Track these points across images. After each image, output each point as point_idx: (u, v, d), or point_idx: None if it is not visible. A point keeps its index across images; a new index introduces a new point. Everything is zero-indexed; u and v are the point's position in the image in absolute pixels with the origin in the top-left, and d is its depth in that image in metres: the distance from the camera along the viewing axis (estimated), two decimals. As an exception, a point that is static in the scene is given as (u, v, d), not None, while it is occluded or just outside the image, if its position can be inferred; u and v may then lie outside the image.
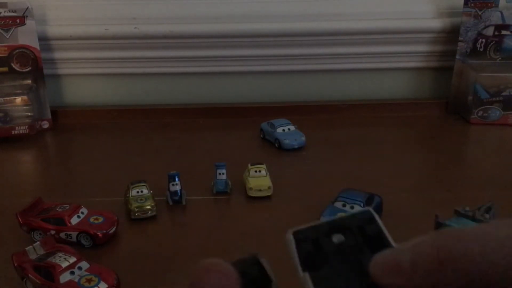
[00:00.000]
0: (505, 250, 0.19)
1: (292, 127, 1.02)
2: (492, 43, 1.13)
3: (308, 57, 1.18)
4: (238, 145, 1.02)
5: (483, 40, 1.13)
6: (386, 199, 0.76)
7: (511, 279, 0.19)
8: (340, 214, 0.24)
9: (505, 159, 0.97)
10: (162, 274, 0.64)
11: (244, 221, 0.77)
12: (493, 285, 0.19)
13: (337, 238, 0.23)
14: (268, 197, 0.81)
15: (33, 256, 0.62)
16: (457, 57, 1.14)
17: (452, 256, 0.20)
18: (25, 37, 1.07)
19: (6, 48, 1.07)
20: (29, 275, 0.59)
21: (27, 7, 1.06)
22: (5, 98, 1.05)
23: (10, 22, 1.06)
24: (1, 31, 1.06)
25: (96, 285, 0.57)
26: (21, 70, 1.09)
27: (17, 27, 1.06)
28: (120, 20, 1.13)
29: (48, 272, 0.58)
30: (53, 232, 0.69)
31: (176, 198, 0.80)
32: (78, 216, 0.71)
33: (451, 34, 1.16)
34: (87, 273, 0.59)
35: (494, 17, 1.11)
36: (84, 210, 0.73)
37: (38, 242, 0.63)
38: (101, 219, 0.71)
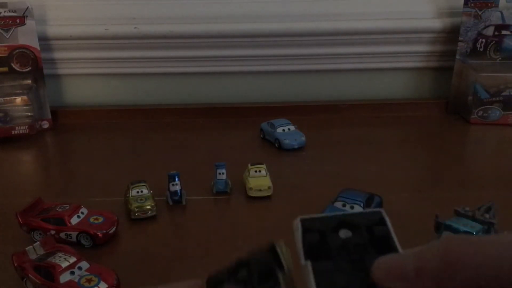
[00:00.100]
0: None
1: (292, 127, 1.02)
2: (492, 43, 1.13)
3: (308, 57, 1.18)
4: (238, 145, 1.02)
5: (483, 40, 1.13)
6: (386, 199, 0.76)
7: None
8: (351, 211, 0.24)
9: (505, 159, 0.97)
10: (162, 274, 0.64)
11: (244, 221, 0.77)
12: None
13: (344, 233, 0.23)
14: (268, 197, 0.81)
15: (33, 256, 0.62)
16: (457, 57, 1.14)
17: (459, 262, 0.19)
18: (25, 37, 1.07)
19: (6, 48, 1.08)
20: (29, 275, 0.59)
21: (27, 7, 1.06)
22: (5, 98, 1.05)
23: (10, 22, 1.06)
24: (1, 31, 1.06)
25: (96, 285, 0.57)
26: (21, 70, 1.09)
27: (17, 27, 1.06)
28: (120, 20, 1.13)
29: (48, 272, 0.58)
30: (53, 232, 0.69)
31: (176, 198, 0.80)
32: (78, 216, 0.71)
33: (451, 34, 1.16)
34: (87, 273, 0.59)
35: (494, 17, 1.11)
36: (84, 210, 0.72)
37: (38, 242, 0.63)
38: (101, 219, 0.71)
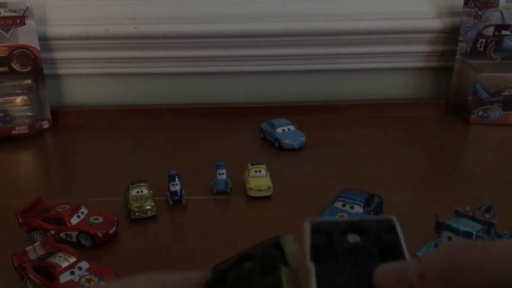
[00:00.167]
0: None
1: (292, 127, 1.02)
2: (492, 43, 1.13)
3: (308, 57, 1.18)
4: (238, 145, 1.02)
5: (483, 40, 1.13)
6: (386, 199, 0.76)
7: None
8: (363, 216, 0.23)
9: (505, 159, 0.97)
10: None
11: (244, 221, 0.77)
12: None
13: (352, 238, 0.22)
14: (268, 197, 0.81)
15: (33, 256, 0.62)
16: (457, 57, 1.14)
17: (463, 267, 0.19)
18: (25, 37, 1.07)
19: (6, 48, 1.07)
20: (29, 275, 0.59)
21: (27, 7, 1.05)
22: (5, 98, 1.05)
23: (10, 22, 1.06)
24: (1, 31, 1.06)
25: (96, 285, 0.57)
26: (21, 70, 1.09)
27: (17, 27, 1.06)
28: (120, 20, 1.13)
29: (48, 272, 0.58)
30: (53, 232, 0.69)
31: (176, 198, 0.79)
32: (78, 216, 0.71)
33: (451, 34, 1.16)
34: (87, 273, 0.59)
35: (494, 17, 1.11)
36: (84, 210, 0.72)
37: (38, 242, 0.63)
38: (101, 219, 0.71)
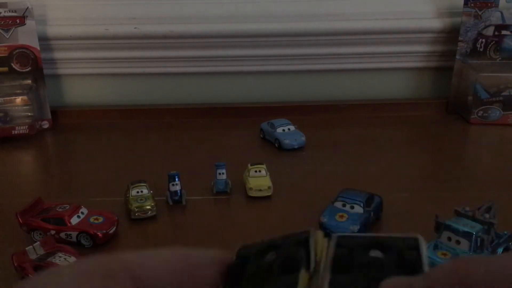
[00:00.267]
0: None
1: (292, 127, 1.02)
2: (492, 43, 1.13)
3: (308, 57, 1.18)
4: (238, 145, 1.02)
5: (483, 40, 1.13)
6: (386, 199, 0.76)
7: None
8: (389, 234, 0.24)
9: (505, 159, 0.97)
10: None
11: (244, 221, 0.77)
12: None
13: (374, 253, 0.23)
14: (268, 197, 0.81)
15: (33, 256, 0.62)
16: (457, 57, 1.14)
17: (469, 281, 0.19)
18: (25, 37, 1.07)
19: (6, 48, 1.07)
20: (29, 275, 0.59)
21: (27, 7, 1.06)
22: (5, 98, 1.05)
23: (10, 22, 1.06)
24: (1, 31, 1.06)
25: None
26: (21, 70, 1.09)
27: (17, 27, 1.06)
28: (120, 20, 1.13)
29: (48, 272, 0.58)
30: (53, 232, 0.69)
31: (176, 198, 0.79)
32: (78, 216, 0.71)
33: (451, 34, 1.16)
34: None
35: (494, 17, 1.11)
36: (84, 210, 0.72)
37: (38, 242, 0.63)
38: (101, 219, 0.71)
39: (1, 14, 1.05)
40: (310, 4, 1.16)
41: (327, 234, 0.24)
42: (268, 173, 0.83)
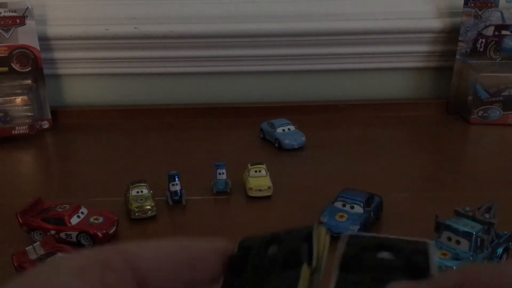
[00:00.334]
0: None
1: (292, 127, 1.02)
2: (492, 43, 1.13)
3: (308, 57, 1.18)
4: (238, 145, 1.02)
5: (483, 40, 1.13)
6: (386, 199, 0.76)
7: None
8: (399, 236, 0.23)
9: (505, 159, 0.97)
10: None
11: (244, 221, 0.77)
12: None
13: (383, 255, 0.22)
14: (268, 197, 0.81)
15: (33, 256, 0.62)
16: (457, 57, 1.14)
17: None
18: (25, 37, 1.07)
19: (6, 48, 1.07)
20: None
21: (27, 7, 1.05)
22: (5, 98, 1.05)
23: (10, 22, 1.06)
24: (1, 31, 1.06)
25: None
26: (21, 70, 1.09)
27: (17, 27, 1.06)
28: (120, 20, 1.13)
29: (48, 272, 0.58)
30: (53, 232, 0.69)
31: (176, 198, 0.79)
32: (78, 216, 0.71)
33: (451, 34, 1.16)
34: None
35: (494, 17, 1.11)
36: (84, 210, 0.72)
37: (38, 242, 0.63)
38: (101, 219, 0.71)
39: (1, 14, 1.05)
40: (310, 4, 1.16)
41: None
42: (268, 173, 0.83)
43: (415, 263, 0.22)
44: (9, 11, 1.05)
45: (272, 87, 1.23)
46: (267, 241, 0.24)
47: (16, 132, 1.05)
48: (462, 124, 1.12)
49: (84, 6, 1.14)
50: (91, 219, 0.71)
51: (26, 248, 0.63)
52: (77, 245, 0.69)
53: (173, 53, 1.16)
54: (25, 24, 1.06)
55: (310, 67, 1.20)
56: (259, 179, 0.82)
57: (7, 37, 1.07)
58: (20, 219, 0.71)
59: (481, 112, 1.10)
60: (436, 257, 0.22)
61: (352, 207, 0.72)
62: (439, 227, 0.63)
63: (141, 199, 0.76)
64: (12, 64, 1.08)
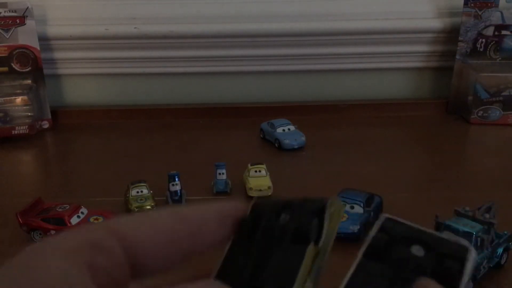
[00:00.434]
0: None
1: (292, 127, 1.01)
2: (492, 43, 1.13)
3: (308, 57, 1.18)
4: (238, 145, 1.02)
5: (483, 40, 1.13)
6: (386, 199, 0.76)
7: None
8: (440, 233, 0.22)
9: (505, 159, 0.97)
10: (162, 273, 0.64)
11: (244, 221, 0.76)
12: None
13: (415, 249, 0.21)
14: (268, 197, 0.81)
15: (33, 256, 0.62)
16: (457, 57, 1.14)
17: None
18: (25, 37, 1.07)
19: (6, 48, 1.07)
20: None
21: (27, 7, 1.05)
22: (5, 98, 1.05)
23: (10, 22, 1.06)
24: (1, 31, 1.06)
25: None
26: (21, 70, 1.09)
27: (17, 27, 1.06)
28: (120, 20, 1.13)
29: (48, 272, 0.58)
30: (53, 232, 0.69)
31: (176, 198, 0.79)
32: (78, 216, 0.71)
33: (451, 34, 1.16)
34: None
35: (494, 17, 1.11)
36: (84, 210, 0.72)
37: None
38: (101, 219, 0.71)
39: (1, 14, 1.05)
40: (310, 4, 1.16)
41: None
42: (268, 173, 0.83)
43: (447, 268, 0.20)
44: (9, 11, 1.05)
45: (272, 87, 1.23)
46: (280, 207, 0.23)
47: (16, 132, 1.05)
48: (462, 124, 1.12)
49: (84, 6, 1.14)
50: (91, 219, 0.71)
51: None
52: (77, 245, 0.69)
53: (173, 53, 1.16)
54: (25, 24, 1.06)
55: (310, 67, 1.20)
56: (259, 179, 0.82)
57: (7, 37, 1.07)
58: (20, 219, 0.71)
59: (481, 112, 1.10)
60: (472, 266, 0.20)
61: (352, 207, 0.72)
62: (439, 227, 0.63)
63: (141, 199, 0.76)
64: (12, 64, 1.08)
